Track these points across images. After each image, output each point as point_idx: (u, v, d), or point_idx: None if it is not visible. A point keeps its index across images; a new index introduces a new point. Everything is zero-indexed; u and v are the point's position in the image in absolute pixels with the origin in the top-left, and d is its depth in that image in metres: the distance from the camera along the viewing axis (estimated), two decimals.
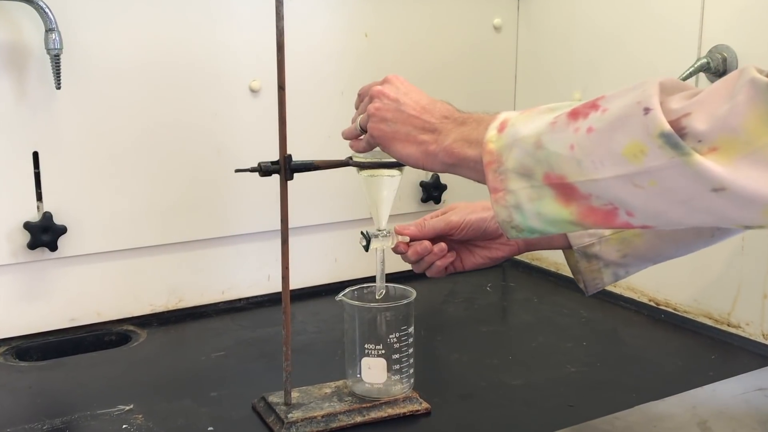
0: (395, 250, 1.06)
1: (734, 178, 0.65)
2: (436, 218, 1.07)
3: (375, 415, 1.06)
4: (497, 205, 0.80)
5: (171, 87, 1.40)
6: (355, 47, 1.56)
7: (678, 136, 0.66)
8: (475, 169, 0.83)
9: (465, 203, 1.08)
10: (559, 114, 0.76)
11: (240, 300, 1.54)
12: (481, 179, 0.81)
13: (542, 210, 0.77)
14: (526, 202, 0.78)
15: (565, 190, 0.75)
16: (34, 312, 1.36)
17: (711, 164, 0.66)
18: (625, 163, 0.70)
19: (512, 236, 0.81)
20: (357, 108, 0.99)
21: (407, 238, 1.06)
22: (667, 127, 0.67)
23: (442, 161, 0.86)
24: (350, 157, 1.03)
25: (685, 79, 1.33)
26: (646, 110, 0.68)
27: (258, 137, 1.46)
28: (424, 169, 0.89)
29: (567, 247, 1.08)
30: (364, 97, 0.95)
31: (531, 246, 1.10)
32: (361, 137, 0.95)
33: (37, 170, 1.32)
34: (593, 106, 0.74)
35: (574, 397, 1.14)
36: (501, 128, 0.80)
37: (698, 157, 0.66)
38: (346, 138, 0.99)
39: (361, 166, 1.03)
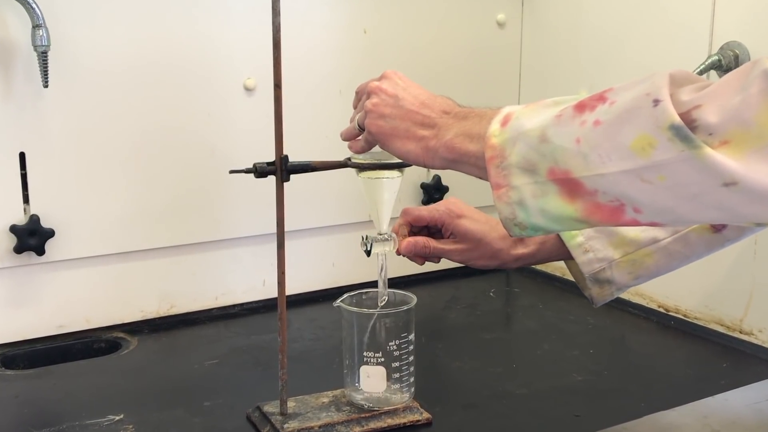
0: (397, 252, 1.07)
1: (746, 172, 0.65)
2: (446, 245, 1.07)
3: (374, 425, 1.06)
4: (500, 202, 0.79)
5: (163, 85, 1.40)
6: (354, 44, 1.57)
7: (688, 129, 0.66)
8: (476, 165, 0.83)
9: (481, 233, 1.06)
10: (565, 107, 0.76)
11: (234, 306, 1.54)
12: (483, 175, 0.81)
13: (546, 206, 0.77)
14: (530, 198, 0.77)
15: (570, 185, 0.75)
16: (20, 318, 1.36)
17: (722, 158, 0.65)
18: (632, 157, 0.69)
19: (515, 234, 0.81)
20: (355, 107, 0.99)
21: (405, 232, 1.08)
22: (677, 119, 0.66)
23: (442, 157, 0.86)
24: (349, 158, 1.03)
25: None
26: (656, 102, 0.68)
27: (253, 137, 1.46)
28: (424, 166, 0.89)
29: (567, 258, 1.08)
30: (362, 95, 0.95)
31: (529, 260, 1.09)
32: (360, 137, 0.95)
33: (23, 171, 1.32)
34: (600, 98, 0.74)
35: (580, 407, 1.14)
36: (504, 122, 0.80)
37: (709, 151, 0.66)
38: (344, 139, 0.99)
39: (361, 168, 1.03)
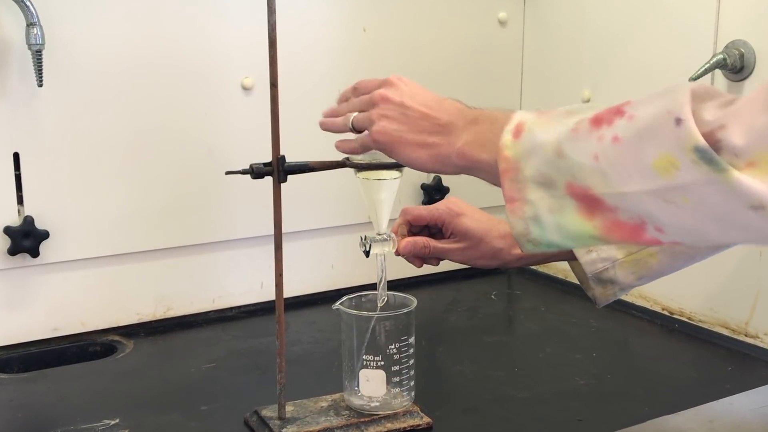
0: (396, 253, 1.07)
1: None
2: (446, 245, 1.07)
3: (374, 429, 1.06)
4: (513, 216, 0.78)
5: (159, 84, 1.40)
6: (352, 43, 1.56)
7: (713, 151, 0.65)
8: (490, 173, 0.81)
9: (482, 232, 1.06)
10: (581, 119, 0.75)
11: (231, 309, 1.54)
12: (497, 182, 0.80)
13: (563, 222, 0.76)
14: (546, 213, 0.76)
15: (589, 201, 0.73)
16: (14, 321, 1.36)
17: (749, 180, 0.64)
18: (655, 176, 0.68)
19: (528, 250, 0.80)
20: (343, 99, 0.97)
21: (405, 232, 1.08)
22: (701, 141, 0.65)
23: (455, 164, 0.85)
24: (347, 158, 1.03)
25: (700, 76, 1.33)
26: (678, 121, 0.67)
27: (251, 137, 1.45)
28: (435, 173, 0.88)
29: (572, 259, 1.08)
30: (360, 94, 0.94)
31: (530, 259, 1.09)
32: (355, 138, 0.94)
33: (17, 172, 1.32)
34: (618, 112, 0.72)
35: (583, 411, 1.14)
36: (517, 133, 0.78)
37: (735, 173, 0.64)
38: (328, 129, 0.97)
39: (359, 168, 1.03)
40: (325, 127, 0.98)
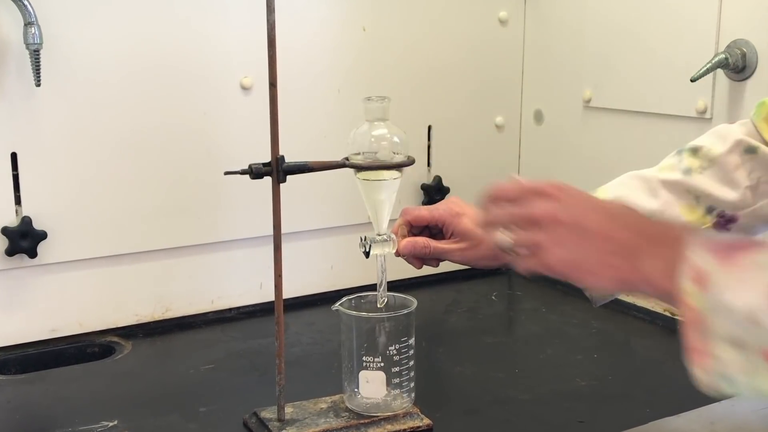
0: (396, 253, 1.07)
1: None
2: (447, 245, 1.06)
3: (373, 431, 1.06)
4: (698, 369, 0.74)
5: (158, 84, 1.40)
6: (352, 42, 1.56)
7: None
8: (675, 303, 0.77)
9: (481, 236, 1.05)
10: None
11: (230, 310, 1.54)
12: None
13: (759, 385, 0.72)
14: (738, 374, 0.71)
15: None
16: (12, 322, 1.36)
17: None
18: None
19: (714, 395, 0.76)
20: (482, 204, 0.88)
21: (405, 233, 1.08)
22: None
23: (641, 290, 0.81)
24: (347, 158, 1.03)
25: (702, 75, 1.33)
26: None
27: (251, 137, 1.45)
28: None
29: None
30: (502, 201, 0.85)
31: None
32: (521, 262, 0.84)
33: (15, 172, 1.31)
34: None
35: (584, 413, 1.14)
36: (700, 282, 0.72)
37: None
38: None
39: (359, 168, 1.03)
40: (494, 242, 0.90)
